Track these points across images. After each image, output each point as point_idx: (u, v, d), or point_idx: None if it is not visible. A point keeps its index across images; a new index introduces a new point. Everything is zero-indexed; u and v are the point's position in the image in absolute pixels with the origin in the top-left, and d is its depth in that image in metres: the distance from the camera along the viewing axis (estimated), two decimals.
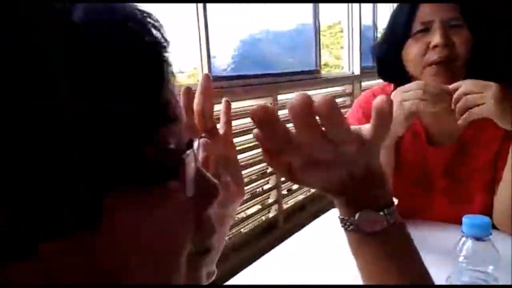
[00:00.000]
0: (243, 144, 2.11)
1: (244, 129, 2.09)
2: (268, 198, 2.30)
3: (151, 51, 0.30)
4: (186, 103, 0.54)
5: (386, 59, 1.05)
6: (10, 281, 0.26)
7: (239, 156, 2.13)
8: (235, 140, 2.13)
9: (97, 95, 0.26)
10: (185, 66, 2.76)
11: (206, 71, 2.02)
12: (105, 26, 0.27)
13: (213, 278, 0.67)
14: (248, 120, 2.11)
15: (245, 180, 2.14)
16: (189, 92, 0.54)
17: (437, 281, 0.48)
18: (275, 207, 2.31)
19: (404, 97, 0.90)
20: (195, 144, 0.36)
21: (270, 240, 2.08)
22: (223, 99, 0.62)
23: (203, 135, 0.56)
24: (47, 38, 0.25)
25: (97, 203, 0.26)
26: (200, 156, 0.51)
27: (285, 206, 2.40)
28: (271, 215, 2.31)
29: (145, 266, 0.29)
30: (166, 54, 0.31)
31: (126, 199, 0.28)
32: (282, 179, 2.36)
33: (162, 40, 0.31)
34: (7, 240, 0.25)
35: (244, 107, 2.09)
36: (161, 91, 0.30)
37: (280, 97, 2.31)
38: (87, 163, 0.26)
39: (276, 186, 2.30)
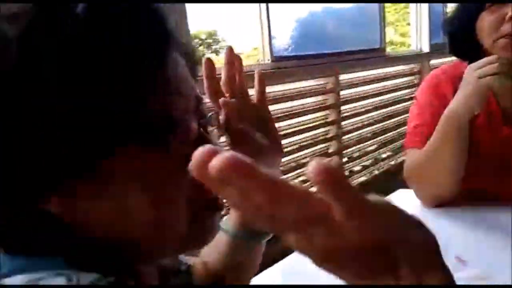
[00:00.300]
0: (304, 124, 2.10)
1: (305, 109, 2.08)
2: None
3: (149, 35, 0.37)
4: (207, 73, 0.61)
5: (459, 34, 0.99)
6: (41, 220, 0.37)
7: (299, 137, 2.13)
8: (297, 120, 2.13)
9: (105, 72, 0.34)
10: (244, 47, 2.78)
11: (267, 51, 2.02)
12: (107, 16, 0.35)
13: (270, 236, 0.69)
14: (308, 100, 2.09)
15: (305, 160, 2.13)
16: (209, 63, 0.61)
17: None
18: None
19: (478, 73, 0.86)
20: (210, 113, 0.46)
21: None
22: (256, 71, 0.67)
23: (232, 99, 0.62)
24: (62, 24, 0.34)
25: (105, 152, 0.35)
26: (222, 114, 0.59)
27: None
28: None
29: (147, 207, 0.36)
30: (164, 36, 0.38)
31: (130, 153, 0.36)
32: (345, 159, 2.33)
33: (162, 27, 0.39)
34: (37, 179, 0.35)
35: (305, 87, 2.07)
36: (159, 67, 0.37)
37: (342, 77, 2.26)
38: (98, 118, 0.34)
39: (338, 167, 2.27)
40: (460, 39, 0.99)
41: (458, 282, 0.31)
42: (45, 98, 0.34)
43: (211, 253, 0.72)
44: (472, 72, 0.88)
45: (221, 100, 0.60)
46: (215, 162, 0.24)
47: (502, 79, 0.84)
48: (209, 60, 0.61)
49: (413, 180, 1.03)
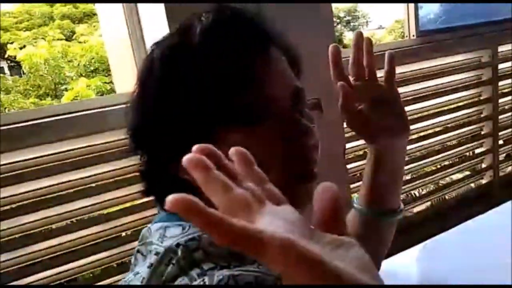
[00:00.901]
0: (455, 103, 1.92)
1: (455, 86, 1.90)
2: (481, 163, 2.06)
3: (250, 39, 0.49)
4: (331, 59, 0.65)
5: None
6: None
7: (448, 117, 1.96)
8: (445, 98, 1.98)
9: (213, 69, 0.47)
10: (385, 20, 2.62)
11: (412, 24, 1.88)
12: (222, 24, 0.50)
13: (400, 215, 0.69)
14: (459, 76, 1.91)
15: (453, 142, 1.96)
16: (333, 50, 0.65)
17: None
18: (489, 173, 2.07)
19: None
20: (311, 101, 0.55)
21: (481, 209, 1.88)
22: (387, 52, 0.67)
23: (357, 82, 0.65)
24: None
25: (212, 128, 0.47)
26: (340, 99, 0.64)
27: (501, 174, 2.12)
28: (483, 181, 2.08)
29: None
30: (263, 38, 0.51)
31: (232, 129, 0.46)
32: (500, 142, 2.08)
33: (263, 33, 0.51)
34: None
35: (455, 62, 1.89)
36: (253, 63, 0.48)
37: (501, 48, 2.00)
38: (203, 102, 0.47)
39: (492, 150, 2.04)
40: None
41: None
42: (179, 96, 0.48)
43: None
44: None
45: (338, 84, 0.63)
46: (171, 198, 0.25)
47: None
48: (333, 48, 0.65)
49: None
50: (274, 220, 0.27)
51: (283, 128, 0.49)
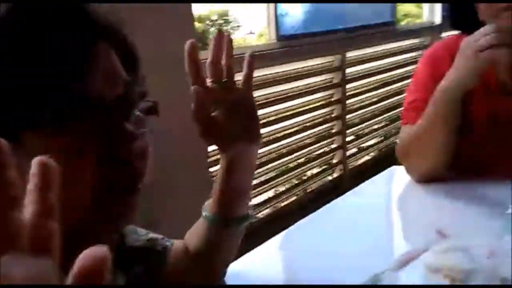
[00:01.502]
0: (309, 104, 2.07)
1: (311, 88, 2.05)
2: (333, 158, 2.26)
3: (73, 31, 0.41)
4: (187, 57, 0.61)
5: (458, 5, 0.95)
6: None
7: (305, 117, 2.10)
8: (302, 100, 2.11)
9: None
10: (256, 26, 2.72)
11: (272, 30, 1.98)
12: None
13: (253, 220, 0.70)
14: (314, 79, 2.06)
15: (310, 140, 2.11)
16: (190, 46, 0.61)
17: None
18: (340, 167, 2.27)
19: (477, 46, 0.81)
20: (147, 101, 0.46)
21: (334, 198, 2.06)
22: (247, 54, 0.65)
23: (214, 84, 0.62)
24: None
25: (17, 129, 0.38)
26: (193, 105, 0.60)
27: (351, 167, 2.35)
28: (335, 175, 2.28)
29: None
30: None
31: (37, 133, 0.38)
32: (348, 138, 2.30)
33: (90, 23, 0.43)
34: None
35: (311, 66, 2.03)
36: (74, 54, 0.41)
37: (350, 54, 2.21)
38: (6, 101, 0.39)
39: (342, 146, 2.25)
40: (459, 10, 0.95)
41: (433, 254, 0.30)
42: None
43: (192, 236, 0.73)
44: (470, 45, 0.83)
45: (192, 88, 0.60)
46: None
47: (505, 50, 0.79)
48: (190, 44, 0.61)
49: (404, 155, 1.01)
50: None
51: (99, 131, 0.42)
